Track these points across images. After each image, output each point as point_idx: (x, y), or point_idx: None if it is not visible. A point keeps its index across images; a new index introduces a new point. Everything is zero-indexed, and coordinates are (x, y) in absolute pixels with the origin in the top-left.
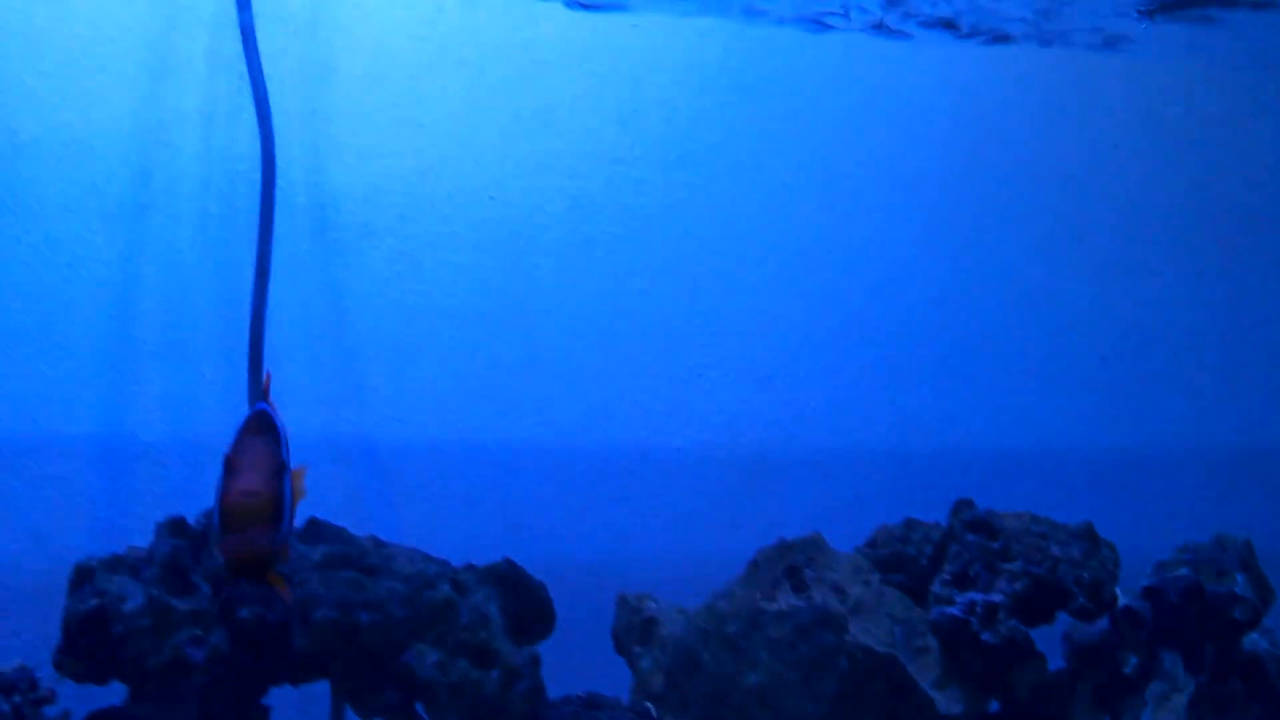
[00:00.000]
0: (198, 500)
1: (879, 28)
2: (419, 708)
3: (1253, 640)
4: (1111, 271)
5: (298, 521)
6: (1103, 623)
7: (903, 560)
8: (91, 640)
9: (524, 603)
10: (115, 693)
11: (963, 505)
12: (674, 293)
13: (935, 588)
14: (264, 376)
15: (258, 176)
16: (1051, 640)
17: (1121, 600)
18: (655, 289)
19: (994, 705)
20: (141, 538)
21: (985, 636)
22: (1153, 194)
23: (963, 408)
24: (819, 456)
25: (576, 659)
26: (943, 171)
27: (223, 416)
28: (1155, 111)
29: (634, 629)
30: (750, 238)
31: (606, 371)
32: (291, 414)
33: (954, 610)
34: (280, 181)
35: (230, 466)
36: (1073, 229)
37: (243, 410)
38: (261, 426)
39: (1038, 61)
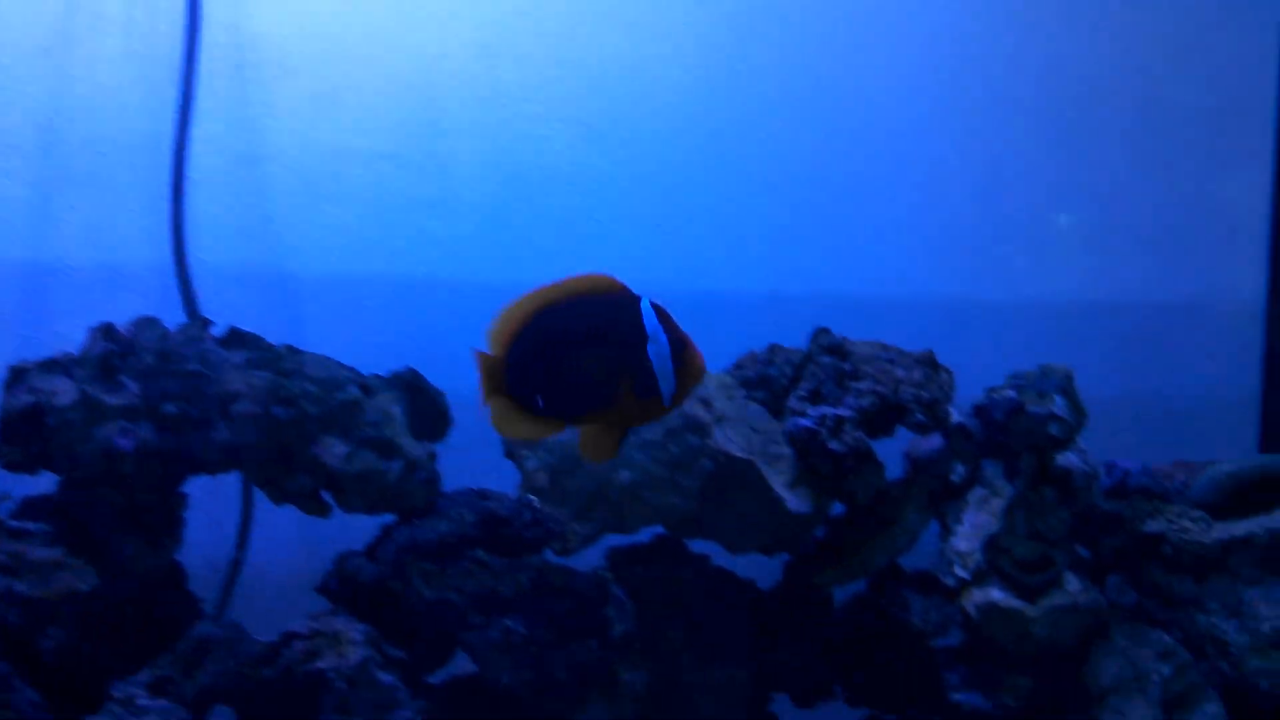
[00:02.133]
0: (116, 319)
1: None
2: (328, 497)
3: (1067, 457)
4: (970, 139)
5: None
6: (939, 440)
7: (766, 380)
8: (26, 432)
9: (425, 406)
10: (47, 481)
11: (821, 332)
12: (578, 141)
13: (791, 402)
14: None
15: (180, 17)
16: (897, 459)
17: (954, 418)
18: (559, 136)
19: (839, 508)
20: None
21: (832, 445)
22: (1019, 67)
23: (834, 258)
24: (705, 299)
25: (470, 465)
26: (828, 44)
27: (142, 245)
28: None
29: None
30: (654, 92)
31: (510, 214)
32: (207, 246)
33: (806, 422)
34: (203, 22)
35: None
36: (941, 100)
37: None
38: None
39: None
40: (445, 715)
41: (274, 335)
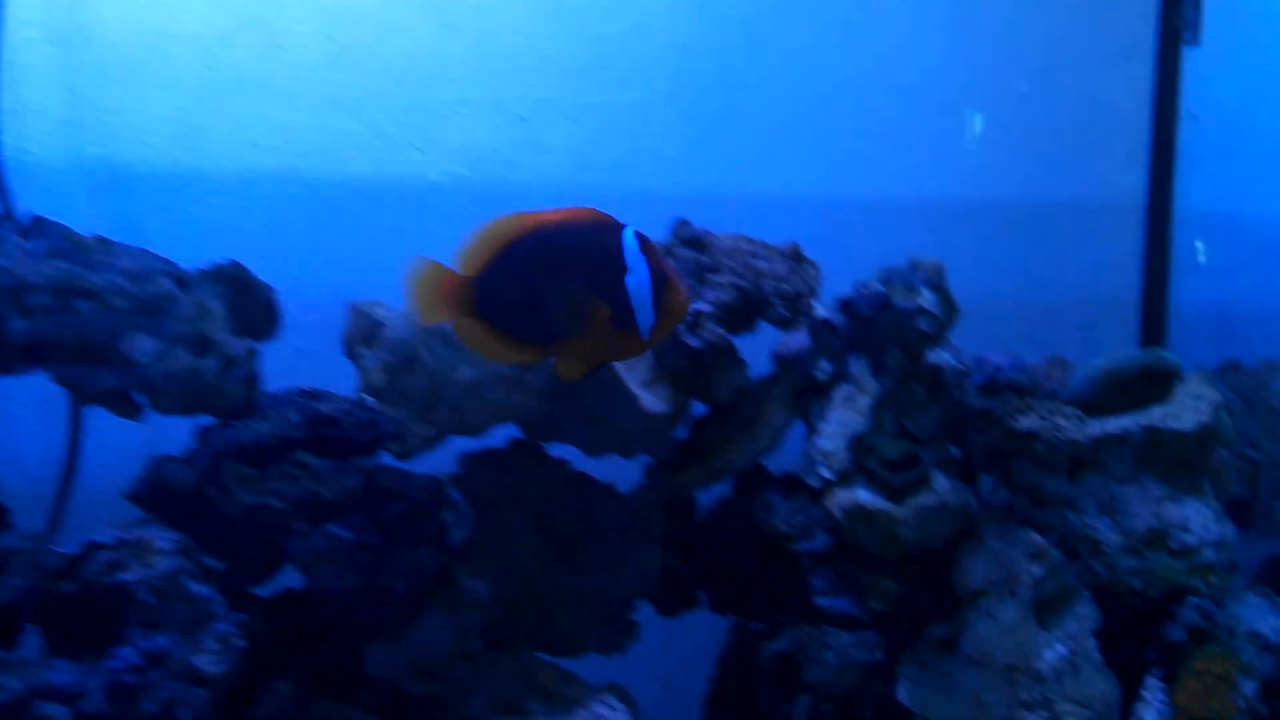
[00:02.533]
0: None
1: None
2: (141, 399)
3: (938, 354)
4: (845, 33)
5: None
6: (806, 338)
7: None
8: None
9: (251, 302)
10: None
11: (681, 224)
12: (430, 29)
13: None
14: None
15: None
16: (765, 359)
17: (820, 312)
18: (410, 25)
19: (701, 408)
20: None
21: (690, 341)
22: None
23: (701, 152)
24: (563, 191)
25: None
26: None
27: None
28: None
29: (362, 333)
30: None
31: (355, 102)
32: (35, 137)
33: None
34: None
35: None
36: None
37: None
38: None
39: None
40: (270, 627)
41: (109, 233)
